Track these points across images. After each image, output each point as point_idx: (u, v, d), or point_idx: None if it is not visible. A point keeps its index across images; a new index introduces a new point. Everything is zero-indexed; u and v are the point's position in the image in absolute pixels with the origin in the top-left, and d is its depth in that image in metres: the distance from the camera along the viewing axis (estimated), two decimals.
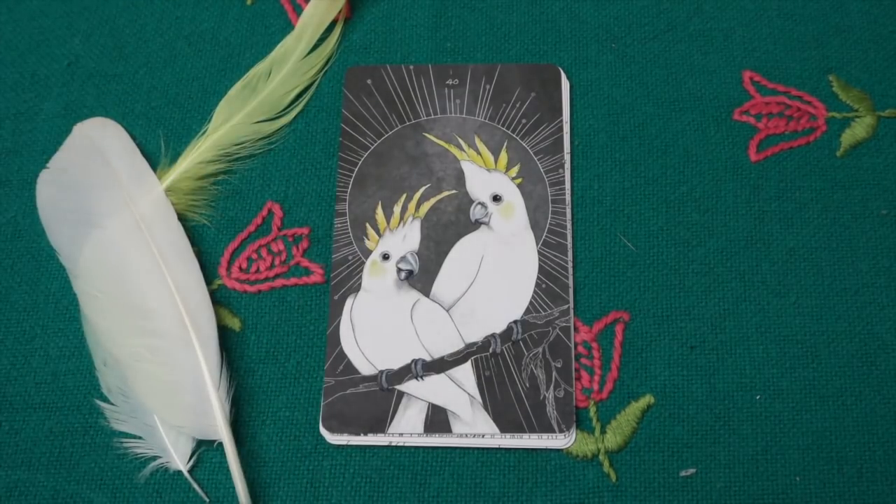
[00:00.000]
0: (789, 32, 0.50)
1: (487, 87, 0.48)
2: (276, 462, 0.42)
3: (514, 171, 0.46)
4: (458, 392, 0.42)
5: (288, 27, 0.51)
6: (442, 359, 0.43)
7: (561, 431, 0.42)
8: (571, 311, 0.44)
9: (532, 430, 0.42)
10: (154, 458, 0.42)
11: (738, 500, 0.41)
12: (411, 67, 0.49)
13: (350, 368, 0.43)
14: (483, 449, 0.42)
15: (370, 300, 0.44)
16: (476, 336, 0.43)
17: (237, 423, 0.42)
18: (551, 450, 0.42)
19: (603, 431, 0.42)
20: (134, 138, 0.47)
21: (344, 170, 0.47)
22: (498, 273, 0.44)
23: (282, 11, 0.51)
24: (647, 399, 0.42)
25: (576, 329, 0.44)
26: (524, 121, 0.47)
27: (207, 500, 0.41)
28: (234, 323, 0.44)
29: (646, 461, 0.41)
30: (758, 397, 0.42)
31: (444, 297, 0.44)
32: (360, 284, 0.45)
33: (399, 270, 0.45)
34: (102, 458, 0.42)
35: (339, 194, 0.46)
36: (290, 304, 0.45)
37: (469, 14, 0.51)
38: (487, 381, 0.43)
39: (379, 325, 0.44)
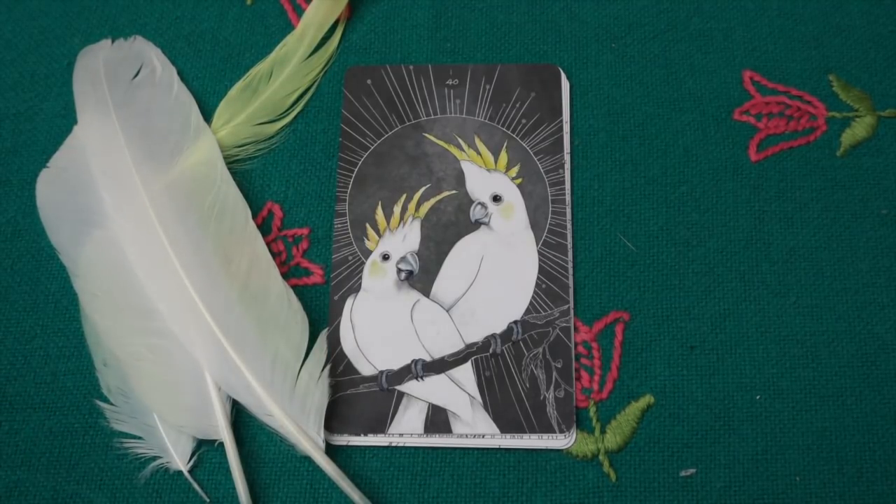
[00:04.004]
0: (789, 32, 0.50)
1: (487, 87, 0.48)
2: (277, 462, 0.42)
3: (514, 171, 0.46)
4: (459, 392, 0.42)
5: (288, 27, 0.51)
6: (442, 359, 0.43)
7: (561, 432, 0.42)
8: (571, 311, 0.44)
9: (532, 430, 0.42)
10: (154, 458, 0.42)
11: (738, 500, 0.41)
12: (411, 67, 0.49)
13: (350, 369, 0.43)
14: (483, 449, 0.42)
15: (370, 300, 0.44)
16: (476, 336, 0.43)
17: (238, 423, 0.42)
18: (551, 450, 0.42)
19: (603, 431, 0.42)
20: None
21: (344, 170, 0.47)
22: (498, 273, 0.44)
23: (282, 11, 0.51)
24: (647, 399, 0.42)
25: (576, 329, 0.44)
26: (524, 121, 0.47)
27: (208, 500, 0.41)
28: None
29: (646, 461, 0.41)
30: (758, 397, 0.42)
31: (444, 298, 0.44)
32: (360, 285, 0.45)
33: (399, 271, 0.45)
34: (102, 458, 0.42)
35: (339, 195, 0.46)
36: None
37: (469, 14, 0.51)
38: (487, 382, 0.43)
39: (379, 326, 0.44)
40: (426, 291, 0.44)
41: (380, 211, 0.46)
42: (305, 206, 0.47)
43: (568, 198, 0.46)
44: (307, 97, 0.49)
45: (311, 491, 0.41)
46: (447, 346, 0.43)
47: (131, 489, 0.41)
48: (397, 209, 0.46)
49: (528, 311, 0.44)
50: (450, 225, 0.45)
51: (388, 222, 0.46)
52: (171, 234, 0.43)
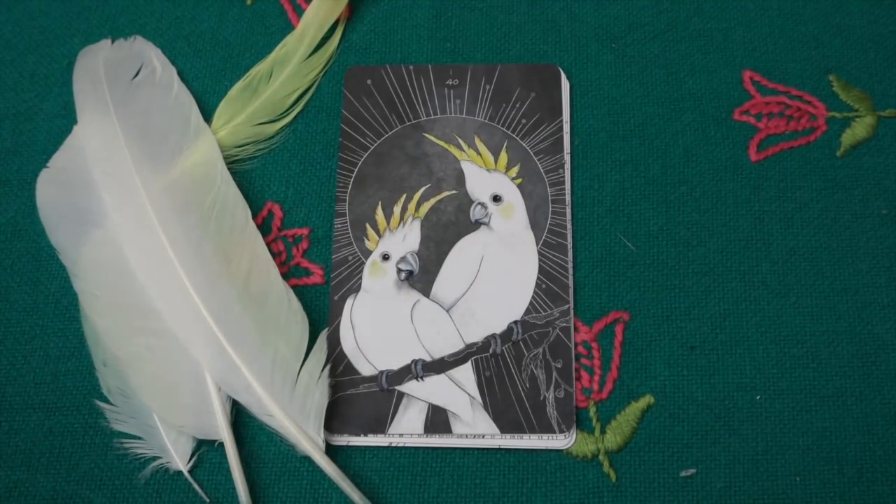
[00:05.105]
0: (789, 32, 0.50)
1: (487, 87, 0.48)
2: (277, 462, 0.42)
3: (514, 171, 0.46)
4: (459, 392, 0.42)
5: (288, 27, 0.51)
6: (442, 359, 0.43)
7: (561, 432, 0.42)
8: (571, 312, 0.44)
9: (532, 430, 0.42)
10: (154, 458, 0.42)
11: (738, 500, 0.41)
12: (411, 67, 0.49)
13: (350, 369, 0.43)
14: (483, 449, 0.42)
15: (370, 301, 0.44)
16: (476, 336, 0.43)
17: (238, 423, 0.42)
18: (551, 450, 0.42)
19: (603, 431, 0.42)
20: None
21: (344, 170, 0.47)
22: (498, 273, 0.44)
23: (282, 11, 0.51)
24: (647, 399, 0.42)
25: (576, 329, 0.44)
26: (524, 121, 0.47)
27: (208, 500, 0.41)
28: None
29: (646, 461, 0.41)
30: (758, 397, 0.42)
31: (444, 298, 0.44)
32: (360, 285, 0.45)
33: (399, 271, 0.45)
34: (102, 458, 0.42)
35: (339, 195, 0.46)
36: None
37: (469, 14, 0.51)
38: (487, 382, 0.43)
39: (379, 326, 0.44)
40: (426, 291, 0.44)
41: (380, 211, 0.46)
42: (305, 206, 0.47)
43: (568, 198, 0.46)
44: (307, 97, 0.49)
45: (311, 491, 0.41)
46: (447, 346, 0.43)
47: (131, 489, 0.41)
48: (397, 209, 0.46)
49: (528, 311, 0.44)
50: (450, 225, 0.45)
51: (388, 222, 0.46)
52: (171, 234, 0.43)
